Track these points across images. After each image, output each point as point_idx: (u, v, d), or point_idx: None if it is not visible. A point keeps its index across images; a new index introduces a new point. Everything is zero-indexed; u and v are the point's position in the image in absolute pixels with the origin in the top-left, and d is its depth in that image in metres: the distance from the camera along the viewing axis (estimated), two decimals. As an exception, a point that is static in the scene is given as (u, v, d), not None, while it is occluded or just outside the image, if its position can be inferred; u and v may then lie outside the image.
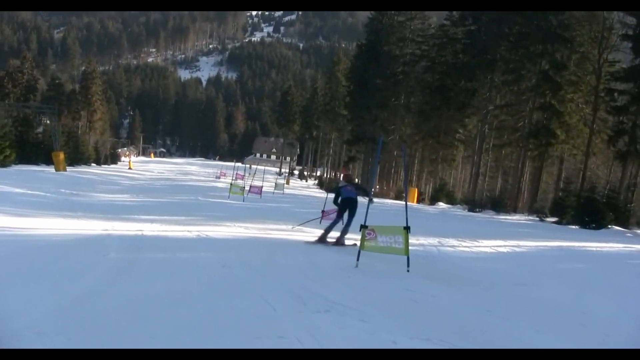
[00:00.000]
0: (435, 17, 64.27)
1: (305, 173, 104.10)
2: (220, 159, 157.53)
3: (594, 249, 15.60)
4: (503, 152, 48.87)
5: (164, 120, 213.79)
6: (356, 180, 16.10)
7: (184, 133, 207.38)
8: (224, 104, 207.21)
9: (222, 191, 37.97)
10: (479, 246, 15.21)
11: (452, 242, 15.77)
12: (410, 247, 11.09)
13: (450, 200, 45.87)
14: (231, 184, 36.20)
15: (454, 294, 9.31)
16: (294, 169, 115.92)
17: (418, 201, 45.84)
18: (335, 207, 18.20)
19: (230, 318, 6.72)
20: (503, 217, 32.67)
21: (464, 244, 15.48)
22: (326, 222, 19.25)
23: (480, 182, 48.13)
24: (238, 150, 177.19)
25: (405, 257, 10.85)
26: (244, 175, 48.85)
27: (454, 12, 52.29)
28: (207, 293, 8.02)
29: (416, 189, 48.31)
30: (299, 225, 17.28)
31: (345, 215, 15.10)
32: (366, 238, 11.45)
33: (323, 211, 20.31)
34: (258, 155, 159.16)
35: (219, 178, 64.81)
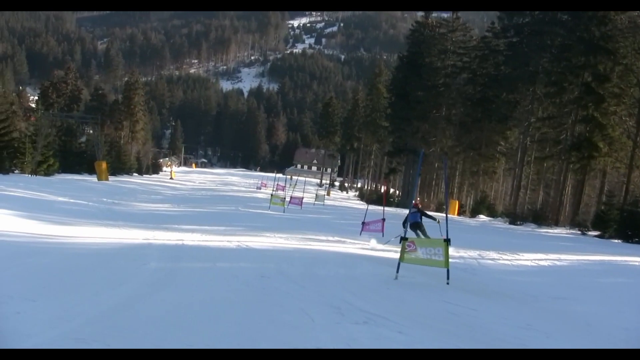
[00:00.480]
0: (477, 29, 63.97)
1: (346, 184, 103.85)
2: (261, 170, 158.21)
3: (637, 263, 15.34)
4: (545, 164, 48.25)
5: (206, 131, 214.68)
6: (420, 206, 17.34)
7: (225, 144, 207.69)
8: (265, 115, 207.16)
9: (262, 202, 38.15)
10: (520, 259, 15.06)
11: (493, 255, 15.65)
12: (450, 260, 11.03)
13: (491, 213, 45.51)
14: (272, 195, 36.25)
15: (493, 307, 9.23)
16: (335, 181, 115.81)
17: (459, 213, 45.53)
18: (375, 218, 18.68)
19: (269, 329, 6.75)
20: (544, 231, 32.32)
21: (504, 257, 15.35)
22: (366, 234, 19.36)
23: (522, 194, 47.61)
24: (279, 161, 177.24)
25: (445, 269, 10.81)
26: (285, 186, 49.08)
27: (496, 24, 51.97)
28: (246, 303, 8.06)
29: (457, 202, 47.99)
30: (385, 243, 17.21)
31: (418, 233, 17.02)
32: (406, 250, 11.41)
33: (363, 222, 20.39)
34: (299, 166, 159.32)
35: (260, 189, 65.05)
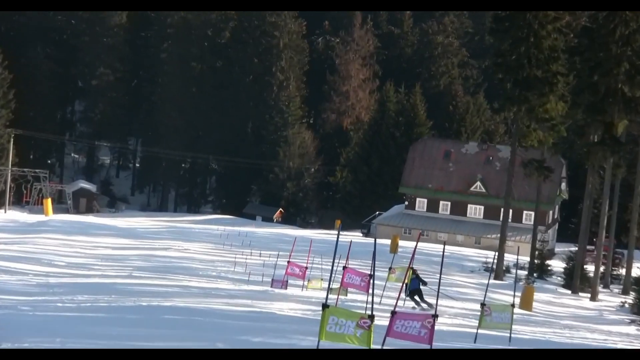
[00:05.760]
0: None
1: (588, 268, 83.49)
2: (283, 218, 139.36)
3: None
4: None
5: (92, 88, 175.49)
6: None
7: (168, 136, 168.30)
8: (302, 41, 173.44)
9: (290, 330, 30.53)
10: None
11: None
12: None
13: None
14: (325, 307, 24.42)
15: None
16: (552, 254, 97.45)
17: None
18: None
19: None
20: None
21: None
22: None
23: None
24: (353, 192, 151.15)
25: None
26: (371, 278, 33.44)
27: None
28: None
29: None
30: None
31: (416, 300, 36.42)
32: None
33: None
34: (419, 203, 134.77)
35: (284, 287, 53.06)
